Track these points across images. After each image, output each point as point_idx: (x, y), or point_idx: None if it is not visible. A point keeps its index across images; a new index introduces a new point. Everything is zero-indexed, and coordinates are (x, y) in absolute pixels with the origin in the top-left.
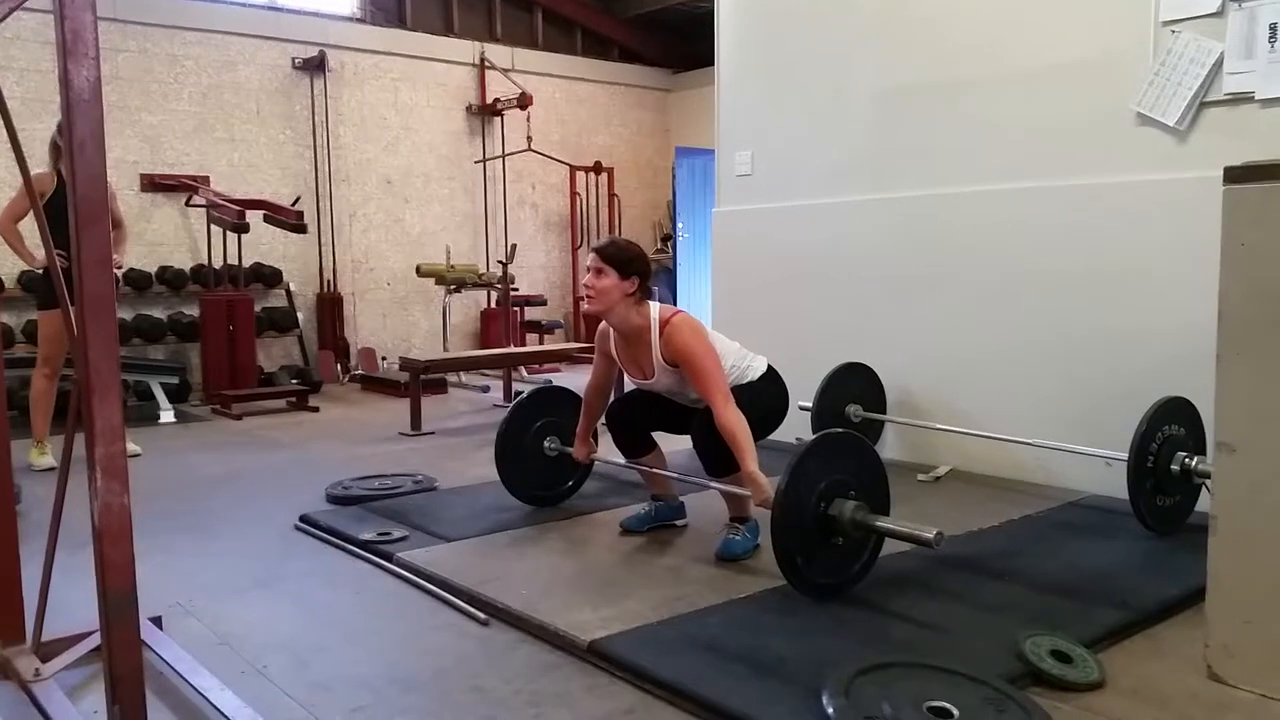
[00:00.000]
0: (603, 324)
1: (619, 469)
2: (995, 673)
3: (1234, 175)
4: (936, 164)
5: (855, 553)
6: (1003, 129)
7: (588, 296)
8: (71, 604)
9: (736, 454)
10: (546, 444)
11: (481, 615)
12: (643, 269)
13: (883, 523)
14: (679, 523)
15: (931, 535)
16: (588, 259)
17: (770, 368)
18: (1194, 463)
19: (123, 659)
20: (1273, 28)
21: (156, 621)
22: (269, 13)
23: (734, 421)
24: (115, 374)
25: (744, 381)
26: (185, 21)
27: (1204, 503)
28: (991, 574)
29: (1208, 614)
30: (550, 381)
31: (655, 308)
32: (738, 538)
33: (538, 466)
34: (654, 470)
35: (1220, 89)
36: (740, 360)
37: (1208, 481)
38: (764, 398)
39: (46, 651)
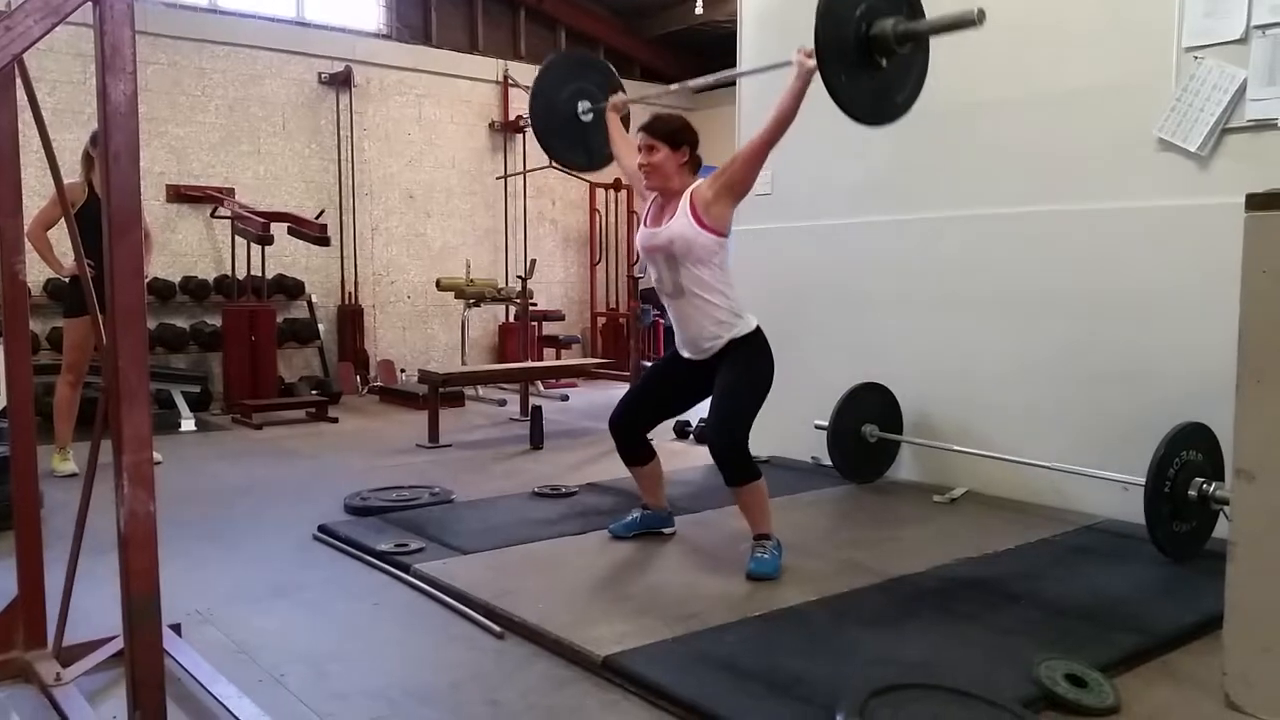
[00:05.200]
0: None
1: (635, 486)
2: (1009, 696)
3: (1256, 202)
4: (957, 186)
5: (900, 77)
6: (1024, 152)
7: (646, 173)
8: (92, 610)
9: (783, 95)
10: (580, 107)
11: (497, 628)
12: (691, 137)
13: (923, 26)
14: (666, 530)
15: (975, 12)
16: (637, 138)
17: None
18: (1211, 489)
19: (145, 664)
20: None
21: (175, 629)
22: (296, 28)
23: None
24: (144, 383)
25: (748, 331)
26: (214, 35)
27: (1221, 528)
28: (1007, 597)
29: (1225, 641)
30: (567, 397)
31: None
32: (766, 555)
33: (571, 130)
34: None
35: (1243, 116)
36: (738, 301)
37: (1225, 508)
38: (762, 355)
39: (67, 656)
